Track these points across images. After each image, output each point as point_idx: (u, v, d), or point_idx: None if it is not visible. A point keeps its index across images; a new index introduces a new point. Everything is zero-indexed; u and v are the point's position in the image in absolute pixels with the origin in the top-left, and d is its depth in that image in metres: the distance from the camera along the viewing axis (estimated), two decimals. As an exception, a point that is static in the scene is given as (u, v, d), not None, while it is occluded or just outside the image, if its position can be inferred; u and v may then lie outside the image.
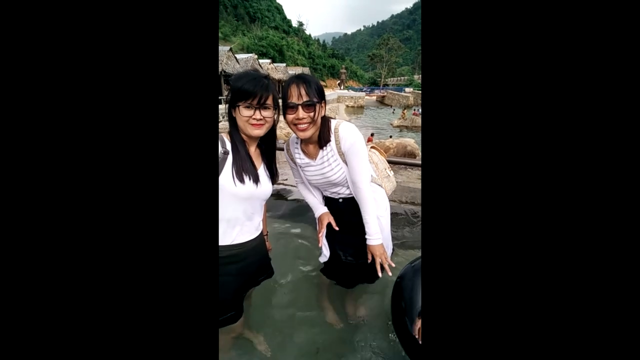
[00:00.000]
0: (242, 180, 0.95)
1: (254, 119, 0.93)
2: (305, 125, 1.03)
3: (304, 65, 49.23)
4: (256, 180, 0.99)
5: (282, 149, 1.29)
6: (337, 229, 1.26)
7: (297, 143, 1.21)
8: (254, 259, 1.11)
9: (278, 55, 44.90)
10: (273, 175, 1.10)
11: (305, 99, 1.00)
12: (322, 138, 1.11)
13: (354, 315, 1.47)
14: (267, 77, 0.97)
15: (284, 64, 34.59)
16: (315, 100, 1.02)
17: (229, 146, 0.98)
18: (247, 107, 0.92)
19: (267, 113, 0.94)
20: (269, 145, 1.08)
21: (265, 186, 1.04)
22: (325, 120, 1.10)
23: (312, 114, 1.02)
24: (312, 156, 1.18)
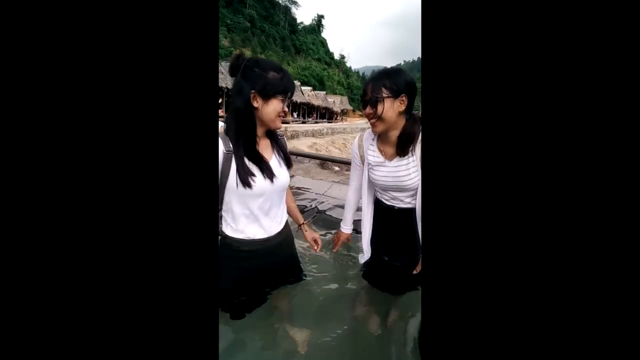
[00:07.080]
0: (248, 184, 0.90)
1: (283, 111, 0.93)
2: (373, 120, 1.01)
3: (342, 94, 50.96)
4: (270, 175, 0.94)
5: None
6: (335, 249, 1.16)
7: (373, 139, 1.13)
8: (277, 257, 1.07)
9: (318, 84, 47.13)
10: (288, 161, 1.04)
11: (368, 96, 0.99)
12: (402, 140, 1.02)
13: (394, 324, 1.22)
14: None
15: (324, 92, 36.32)
16: (377, 96, 0.97)
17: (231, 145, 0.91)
18: (282, 100, 0.91)
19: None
20: (274, 133, 1.03)
21: (282, 178, 0.98)
22: (412, 120, 1.02)
23: (374, 110, 0.99)
24: (388, 156, 1.09)
